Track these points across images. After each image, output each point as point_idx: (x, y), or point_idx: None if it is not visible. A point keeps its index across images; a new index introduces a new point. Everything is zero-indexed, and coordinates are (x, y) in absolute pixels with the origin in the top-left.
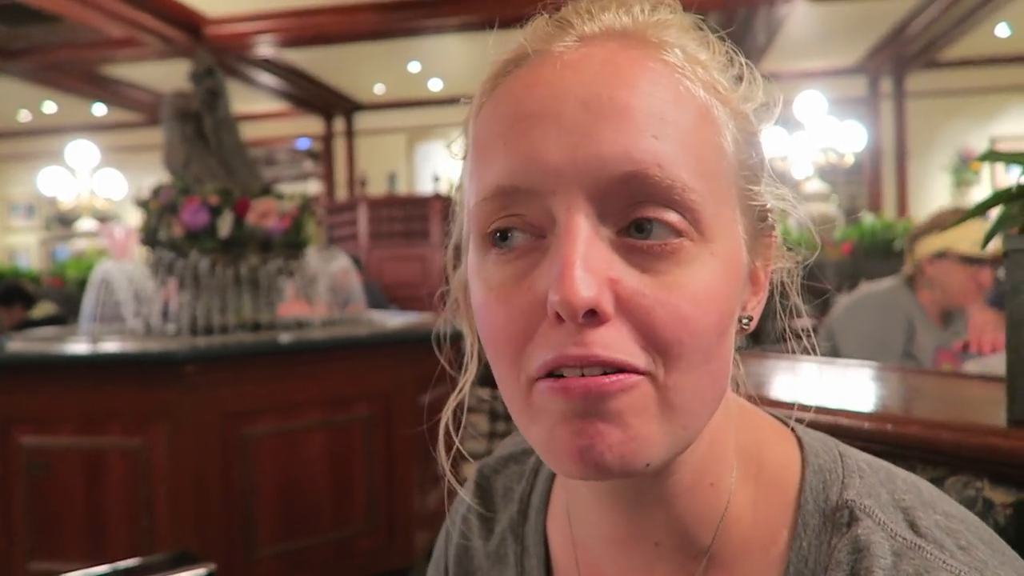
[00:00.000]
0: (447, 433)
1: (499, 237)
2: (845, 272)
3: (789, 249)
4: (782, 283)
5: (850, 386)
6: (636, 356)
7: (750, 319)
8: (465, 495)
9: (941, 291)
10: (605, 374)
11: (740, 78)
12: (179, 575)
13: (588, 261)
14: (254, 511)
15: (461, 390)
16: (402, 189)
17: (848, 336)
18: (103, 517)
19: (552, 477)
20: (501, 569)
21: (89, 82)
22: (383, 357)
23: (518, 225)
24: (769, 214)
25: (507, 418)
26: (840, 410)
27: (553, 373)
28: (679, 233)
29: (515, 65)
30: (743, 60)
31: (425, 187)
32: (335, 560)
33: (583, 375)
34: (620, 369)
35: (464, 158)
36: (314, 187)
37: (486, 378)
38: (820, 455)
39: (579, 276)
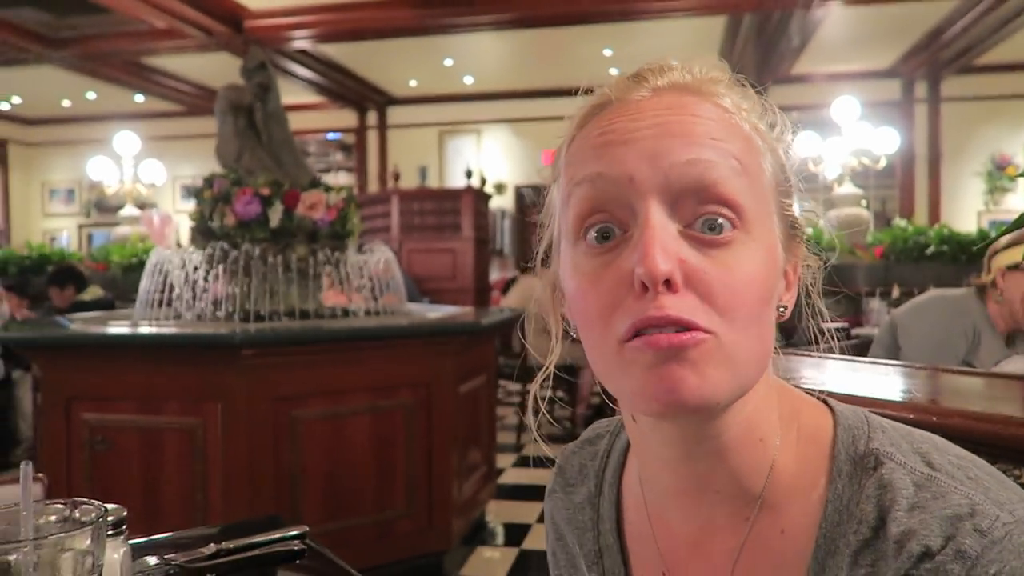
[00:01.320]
0: (535, 403)
1: (591, 235)
2: (877, 276)
3: (815, 254)
4: (807, 286)
5: (882, 382)
6: (701, 317)
7: (785, 308)
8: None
9: (1008, 304)
10: (679, 332)
11: (772, 125)
12: (280, 533)
13: (664, 244)
14: (300, 490)
15: (547, 368)
16: (433, 183)
17: (911, 334)
18: (159, 492)
19: (624, 453)
20: (580, 533)
21: (130, 72)
22: (425, 347)
23: (606, 220)
24: (798, 225)
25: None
26: (886, 400)
27: (638, 333)
28: (731, 226)
29: (600, 109)
30: (775, 109)
31: (456, 181)
32: (375, 541)
33: (662, 333)
34: (689, 327)
35: (555, 181)
36: (343, 179)
37: (520, 372)
38: (848, 416)
39: (658, 253)
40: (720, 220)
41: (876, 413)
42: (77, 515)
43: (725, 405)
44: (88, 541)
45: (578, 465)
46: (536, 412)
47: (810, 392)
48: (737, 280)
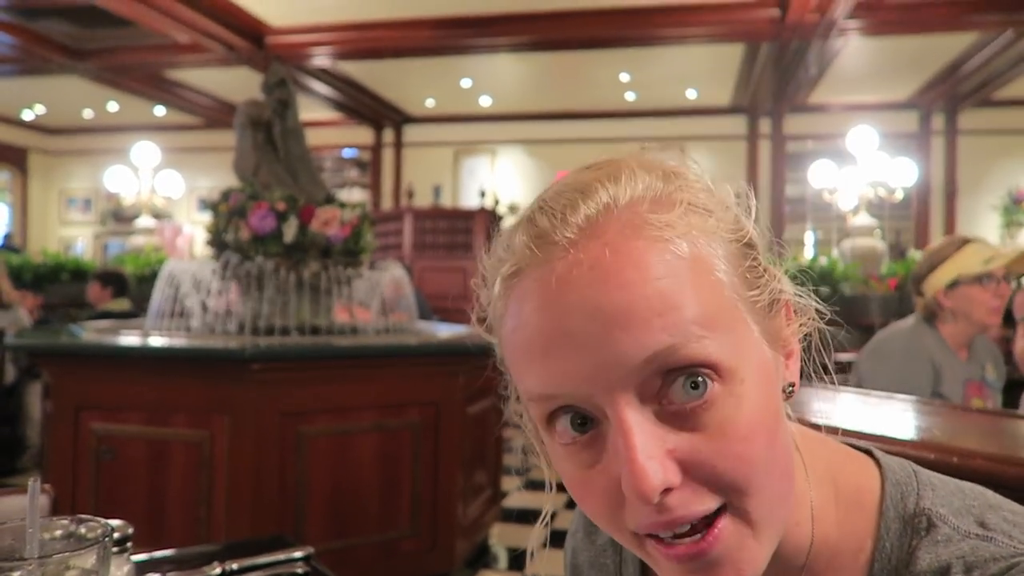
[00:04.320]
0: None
1: (563, 425)
2: (891, 307)
3: (800, 296)
4: (807, 337)
5: (899, 418)
6: (712, 502)
7: (792, 385)
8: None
9: (965, 319)
10: (694, 535)
11: (711, 188)
12: (285, 554)
13: (647, 449)
14: (305, 508)
15: (545, 517)
16: (447, 202)
17: (875, 380)
18: (164, 504)
19: None
20: None
21: (152, 84)
22: (435, 366)
23: (572, 411)
24: (779, 296)
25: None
26: (904, 440)
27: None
28: (708, 380)
29: (516, 279)
30: (704, 176)
31: (470, 201)
32: (379, 561)
33: (677, 536)
34: (706, 521)
35: (498, 347)
36: (357, 195)
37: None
38: (896, 471)
39: (645, 467)
40: (693, 386)
41: (893, 452)
42: (82, 531)
43: (768, 558)
44: (93, 560)
45: None
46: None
47: (855, 446)
48: (737, 444)
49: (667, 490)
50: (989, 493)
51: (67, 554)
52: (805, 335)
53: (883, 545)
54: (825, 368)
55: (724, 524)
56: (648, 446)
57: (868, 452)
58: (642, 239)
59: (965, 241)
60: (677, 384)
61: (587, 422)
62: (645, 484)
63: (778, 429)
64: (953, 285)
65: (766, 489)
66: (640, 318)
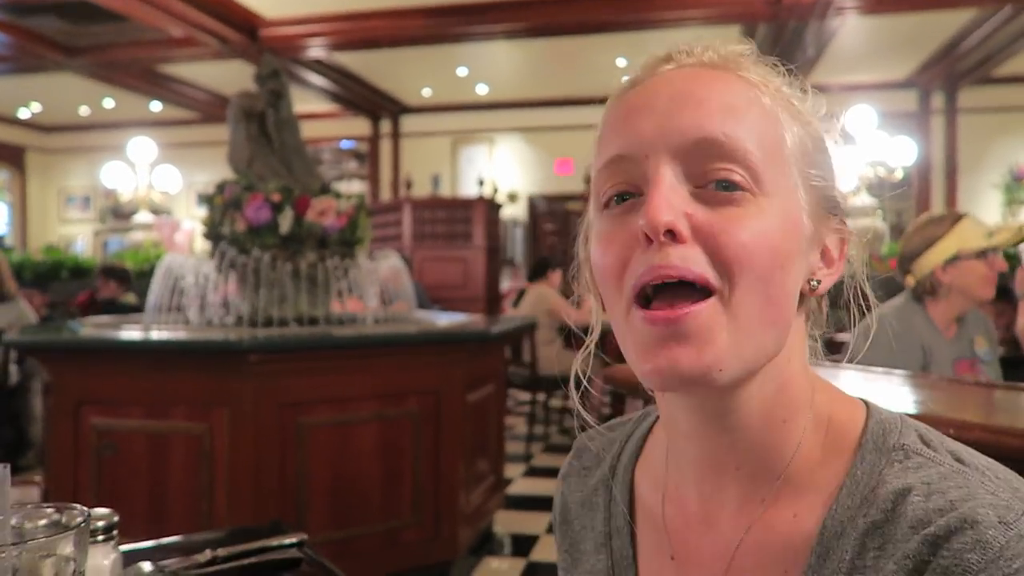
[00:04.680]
0: (577, 379)
1: (612, 199)
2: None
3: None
4: (853, 277)
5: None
6: (706, 270)
7: (818, 283)
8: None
9: (961, 294)
10: (682, 284)
11: (810, 103)
12: (278, 540)
13: (669, 198)
14: (306, 499)
15: (588, 347)
16: (446, 191)
17: (864, 361)
18: (165, 498)
19: (643, 439)
20: (591, 514)
21: (147, 80)
22: (434, 355)
23: (624, 187)
24: (838, 204)
25: (545, 422)
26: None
27: (644, 295)
28: (741, 187)
29: (631, 85)
30: (811, 88)
31: (468, 190)
32: (381, 550)
33: (663, 296)
34: (693, 284)
35: (596, 155)
36: (356, 187)
37: (529, 382)
38: (884, 414)
39: (660, 205)
40: (733, 180)
41: None
42: (65, 520)
43: (734, 374)
44: (71, 547)
45: (596, 449)
46: (578, 387)
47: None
48: (746, 236)
49: (674, 238)
50: (973, 450)
51: (42, 539)
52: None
53: (855, 472)
54: (862, 312)
55: (706, 306)
56: (671, 197)
57: (863, 400)
58: (737, 77)
59: (958, 217)
60: (714, 180)
61: (630, 197)
62: (657, 216)
63: (786, 271)
64: (952, 260)
65: (754, 295)
66: (708, 110)
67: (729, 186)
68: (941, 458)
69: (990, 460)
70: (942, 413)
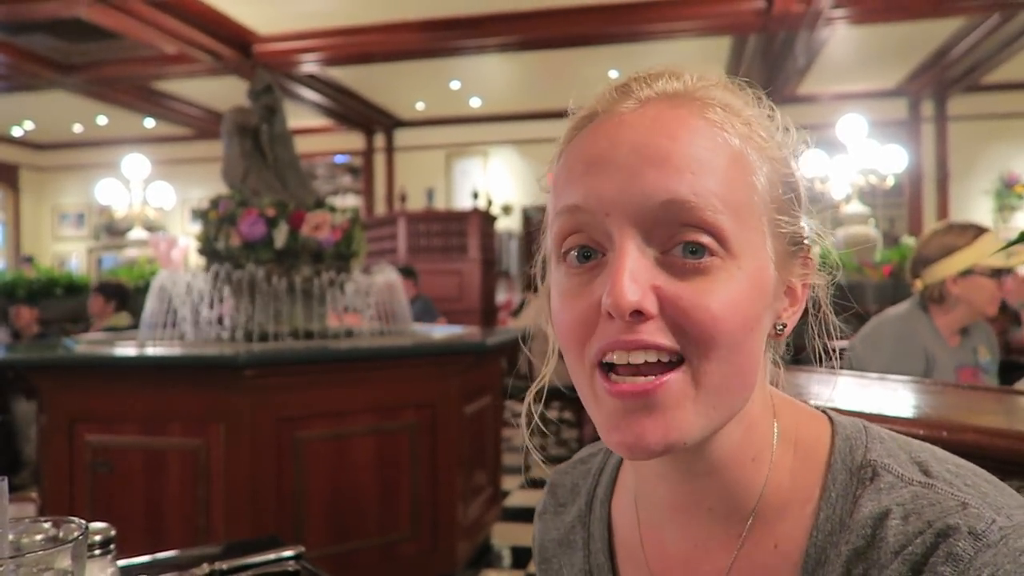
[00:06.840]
0: (528, 413)
1: (572, 255)
2: (886, 294)
3: (823, 269)
4: (817, 300)
5: (892, 397)
6: (675, 343)
7: (784, 326)
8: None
9: (967, 306)
10: (647, 364)
11: (778, 128)
12: (275, 554)
13: (635, 273)
14: (304, 513)
15: (543, 378)
16: (440, 205)
17: (867, 366)
18: (162, 513)
19: (616, 470)
20: (570, 554)
21: (141, 96)
22: (430, 367)
23: (585, 241)
24: (804, 239)
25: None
26: (896, 417)
27: (607, 363)
28: (710, 252)
29: (588, 121)
30: (778, 115)
31: (463, 203)
32: (379, 564)
33: (630, 364)
34: (659, 359)
35: (548, 193)
36: (351, 201)
37: (518, 391)
38: (847, 427)
39: (626, 284)
40: (701, 243)
41: (889, 429)
42: (62, 534)
43: (697, 441)
44: (68, 560)
45: (570, 484)
46: (529, 424)
47: (815, 406)
48: (715, 306)
49: (641, 317)
50: (938, 449)
51: (40, 553)
52: (812, 304)
53: (829, 495)
54: (826, 351)
55: (675, 377)
56: (636, 271)
57: (824, 412)
58: (704, 120)
59: (981, 231)
60: (681, 243)
61: (592, 255)
62: (623, 298)
63: (755, 333)
64: (966, 273)
65: (724, 365)
66: (674, 167)
67: (697, 250)
68: (910, 474)
69: (956, 461)
70: (935, 416)
